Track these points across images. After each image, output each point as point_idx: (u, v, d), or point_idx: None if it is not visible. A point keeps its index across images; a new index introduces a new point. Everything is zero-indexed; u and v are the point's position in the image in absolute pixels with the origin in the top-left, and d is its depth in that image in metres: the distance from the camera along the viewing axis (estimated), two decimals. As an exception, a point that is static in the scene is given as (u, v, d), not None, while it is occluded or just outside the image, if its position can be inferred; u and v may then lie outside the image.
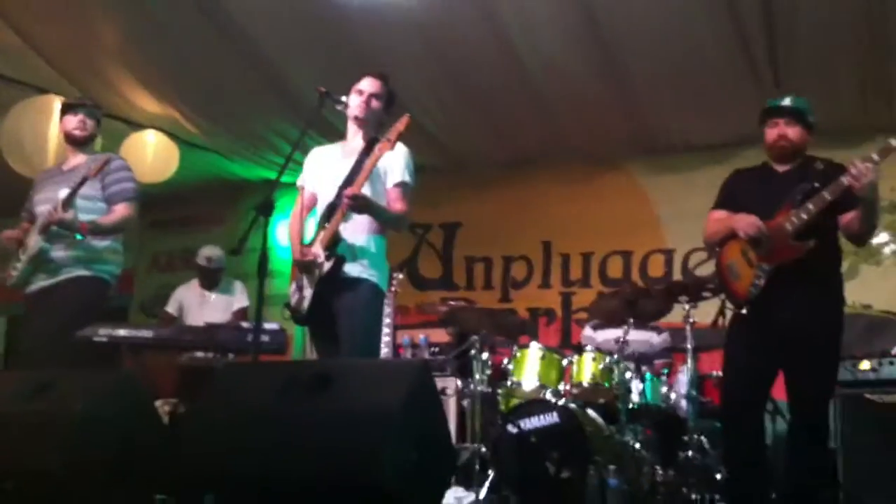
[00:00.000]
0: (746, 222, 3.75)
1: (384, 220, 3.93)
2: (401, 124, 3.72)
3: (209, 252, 6.62)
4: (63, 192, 4.37)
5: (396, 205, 3.95)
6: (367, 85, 4.01)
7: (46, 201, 4.49)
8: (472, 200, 7.59)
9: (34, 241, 4.41)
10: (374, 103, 4.00)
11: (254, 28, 5.52)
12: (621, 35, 5.46)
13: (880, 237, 6.11)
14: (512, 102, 6.33)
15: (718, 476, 4.40)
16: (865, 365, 4.66)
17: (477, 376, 5.13)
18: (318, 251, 3.79)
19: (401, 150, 3.91)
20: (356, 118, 4.01)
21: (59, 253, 4.42)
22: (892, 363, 4.61)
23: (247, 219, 3.94)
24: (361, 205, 3.74)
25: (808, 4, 5.02)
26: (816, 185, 3.68)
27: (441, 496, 3.00)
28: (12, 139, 5.83)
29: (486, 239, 7.54)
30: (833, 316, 3.80)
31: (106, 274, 4.56)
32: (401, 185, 3.96)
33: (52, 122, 5.59)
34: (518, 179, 7.40)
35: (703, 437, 4.68)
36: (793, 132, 3.88)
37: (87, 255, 4.47)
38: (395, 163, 3.93)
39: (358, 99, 3.99)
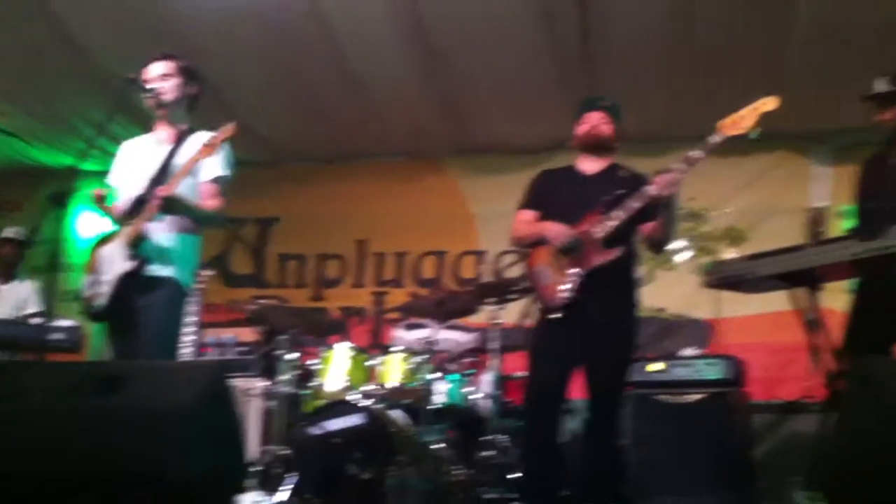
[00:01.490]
0: (557, 231, 3.82)
1: (197, 219, 3.78)
2: (226, 132, 3.60)
3: (14, 231, 6.13)
4: None
5: (211, 201, 3.80)
6: (153, 70, 3.87)
7: None
8: (289, 196, 7.47)
9: None
10: (168, 84, 3.85)
11: (62, 7, 5.20)
12: (445, 37, 5.52)
13: (676, 244, 6.42)
14: (333, 98, 6.28)
15: (516, 475, 4.46)
16: (657, 366, 4.87)
17: (283, 377, 5.00)
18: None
19: None
20: (156, 105, 3.86)
21: None
22: (681, 365, 4.84)
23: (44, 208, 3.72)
24: (173, 206, 3.59)
25: (623, 18, 5.22)
26: (621, 192, 3.78)
27: (232, 499, 2.89)
28: None
29: (302, 236, 7.43)
30: (632, 318, 3.93)
31: None
32: (217, 179, 3.82)
33: None
34: (337, 176, 7.34)
35: (503, 437, 4.74)
36: (606, 128, 4.00)
37: None
38: (211, 157, 3.77)
39: (152, 86, 3.83)
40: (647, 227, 3.87)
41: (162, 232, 3.71)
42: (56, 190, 3.56)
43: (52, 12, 5.27)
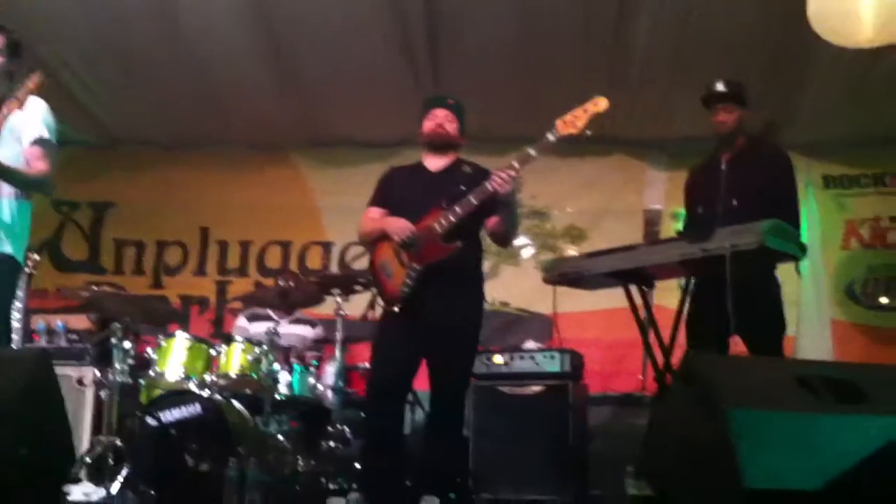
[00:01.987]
0: (398, 226, 3.85)
1: (24, 184, 3.57)
2: (31, 82, 3.39)
3: None
4: None
5: (38, 164, 3.59)
6: None
7: None
8: (126, 180, 7.18)
9: None
10: None
11: None
12: (292, 28, 5.45)
13: (520, 240, 6.59)
14: (175, 82, 6.09)
15: (358, 465, 4.48)
16: (499, 359, 4.99)
17: (117, 366, 4.81)
18: None
19: (37, 105, 3.58)
20: None
21: None
22: (522, 357, 4.98)
23: None
24: None
25: (470, 20, 5.30)
26: (464, 188, 3.85)
27: (57, 492, 2.78)
28: None
29: (140, 222, 7.16)
30: (474, 312, 3.99)
31: None
32: (40, 142, 3.61)
33: None
34: (178, 162, 7.13)
35: (346, 428, 4.75)
36: (451, 126, 4.05)
37: None
38: (30, 119, 3.57)
39: None
40: (491, 222, 3.95)
41: None
42: None
43: None
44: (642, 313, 4.06)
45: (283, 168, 7.10)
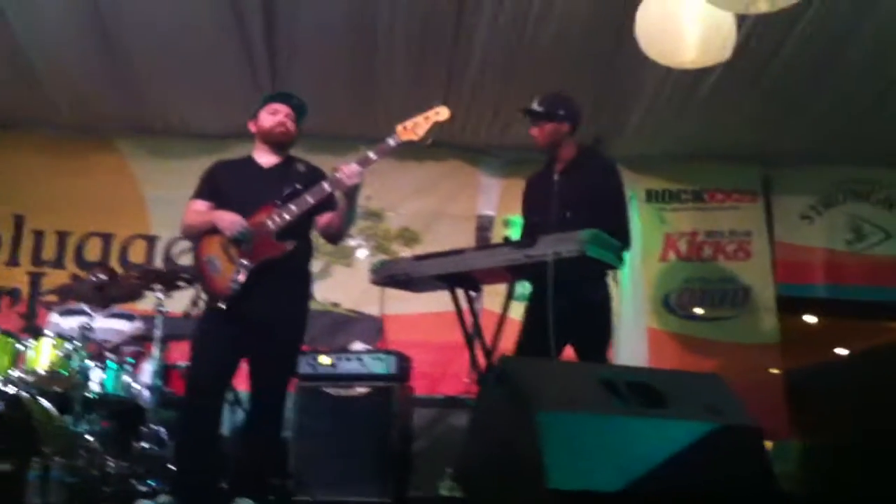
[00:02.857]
0: (230, 221, 3.77)
1: None
2: None
3: None
4: None
5: None
6: None
7: None
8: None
9: None
10: None
11: None
12: (121, 11, 5.22)
13: (355, 240, 6.56)
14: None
15: (172, 466, 4.33)
16: (325, 360, 4.94)
17: None
18: None
19: None
20: None
21: None
22: (349, 359, 4.95)
23: None
24: None
25: (306, 16, 5.23)
26: (298, 186, 3.82)
27: None
28: None
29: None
30: (300, 310, 3.97)
31: None
32: None
33: None
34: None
35: (161, 428, 4.59)
36: (291, 125, 4.02)
37: None
38: None
39: None
40: (324, 219, 3.95)
41: None
42: None
43: None
44: (468, 317, 4.11)
45: (109, 156, 6.76)
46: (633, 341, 6.34)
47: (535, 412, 2.29)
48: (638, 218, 6.63)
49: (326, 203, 3.85)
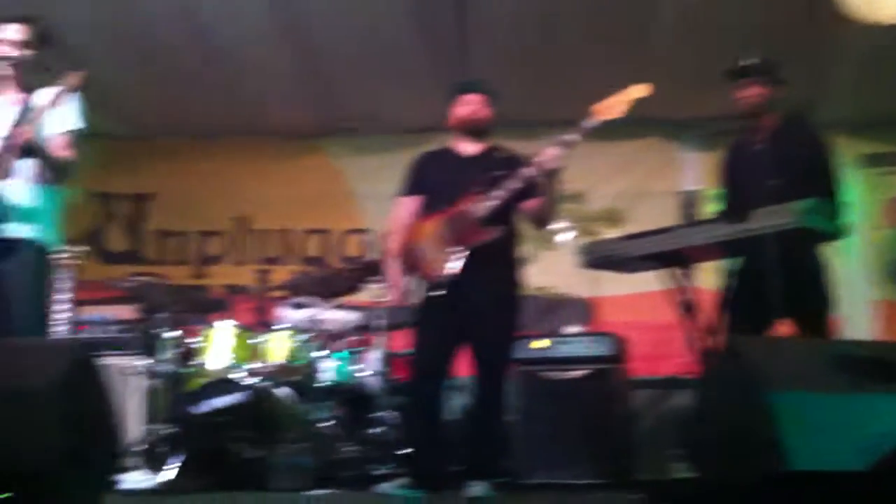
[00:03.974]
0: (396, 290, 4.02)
1: (54, 167, 3.66)
2: (74, 79, 3.48)
3: None
4: None
5: (65, 152, 3.70)
6: (6, 32, 3.72)
7: None
8: (164, 172, 7.27)
9: None
10: (19, 50, 3.71)
11: None
12: (317, 15, 5.48)
13: (559, 224, 6.56)
14: (198, 73, 6.13)
15: (402, 451, 4.52)
16: (540, 343, 4.98)
17: (163, 355, 4.91)
18: None
19: (70, 96, 3.67)
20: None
21: None
22: (565, 342, 4.95)
23: None
24: (33, 149, 3.50)
25: (496, 5, 5.31)
26: (501, 173, 3.87)
27: (103, 481, 2.84)
28: None
29: (181, 212, 7.27)
30: (513, 296, 4.03)
31: None
32: (70, 131, 3.71)
33: None
34: (211, 152, 7.22)
35: (390, 414, 4.79)
36: (484, 111, 4.08)
37: None
38: (63, 109, 3.66)
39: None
40: (529, 205, 3.98)
41: (14, 186, 3.58)
42: None
43: None
44: (682, 295, 4.05)
45: (314, 157, 7.17)
46: (857, 314, 6.03)
47: (769, 393, 2.26)
48: (853, 184, 6.29)
49: (529, 188, 3.87)
